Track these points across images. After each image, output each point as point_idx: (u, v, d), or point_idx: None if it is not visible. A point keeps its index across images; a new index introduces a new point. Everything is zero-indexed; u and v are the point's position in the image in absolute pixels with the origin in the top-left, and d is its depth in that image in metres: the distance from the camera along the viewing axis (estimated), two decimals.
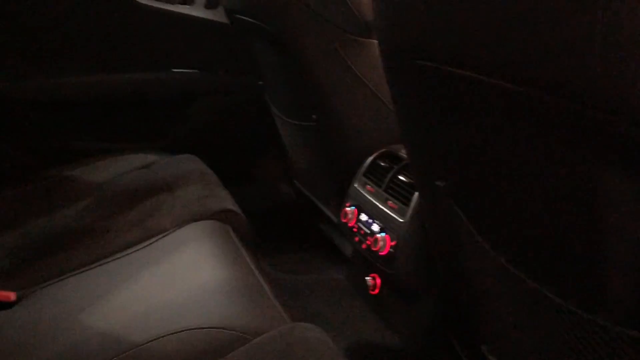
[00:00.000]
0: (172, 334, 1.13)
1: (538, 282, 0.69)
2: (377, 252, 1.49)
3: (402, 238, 1.44)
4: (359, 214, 1.63)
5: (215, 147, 2.42)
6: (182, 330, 1.15)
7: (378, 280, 1.63)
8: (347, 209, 1.65)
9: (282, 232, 2.41)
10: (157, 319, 1.17)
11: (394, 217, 1.48)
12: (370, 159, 1.67)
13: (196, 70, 2.29)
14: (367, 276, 1.65)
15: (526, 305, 0.75)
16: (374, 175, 1.65)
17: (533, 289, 0.71)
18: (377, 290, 1.63)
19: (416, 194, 1.44)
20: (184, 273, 1.27)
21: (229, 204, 1.80)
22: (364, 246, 1.57)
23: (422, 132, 0.83)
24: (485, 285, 0.86)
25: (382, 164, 1.61)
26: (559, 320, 0.66)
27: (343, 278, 1.79)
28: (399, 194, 1.51)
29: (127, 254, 1.56)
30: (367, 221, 1.59)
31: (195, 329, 1.16)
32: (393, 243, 1.46)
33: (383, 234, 1.49)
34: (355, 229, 1.63)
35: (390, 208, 1.51)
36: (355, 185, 1.68)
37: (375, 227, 1.54)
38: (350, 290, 1.69)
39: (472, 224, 0.82)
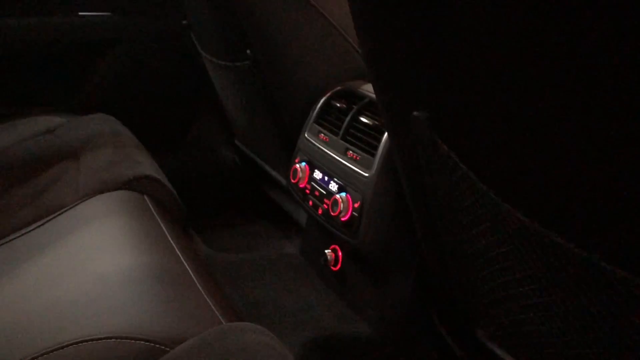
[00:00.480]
0: (53, 350, 0.79)
1: (558, 232, 0.52)
2: (336, 217, 1.15)
3: (367, 198, 1.10)
4: (311, 171, 1.28)
5: (135, 105, 2.03)
6: (69, 344, 0.80)
7: (340, 253, 1.30)
8: (297, 165, 1.30)
9: (221, 202, 2.06)
10: (37, 329, 0.82)
11: (357, 172, 1.14)
12: (322, 100, 1.32)
13: (108, 13, 1.87)
14: (327, 249, 1.32)
15: (541, 270, 0.58)
16: (329, 120, 1.30)
17: (551, 245, 0.54)
18: (339, 266, 1.30)
19: (384, 139, 1.10)
20: (80, 262, 0.97)
21: (147, 169, 1.42)
22: (320, 211, 1.23)
23: (396, 53, 0.68)
24: (485, 249, 0.68)
25: (338, 104, 1.26)
26: (586, 285, 0.51)
27: (297, 253, 1.45)
28: (362, 141, 1.17)
29: (12, 239, 1.20)
30: (322, 179, 1.24)
31: (87, 340, 0.82)
32: (356, 205, 1.12)
33: (343, 194, 1.15)
34: (307, 191, 1.28)
35: (351, 160, 1.17)
36: (306, 135, 1.33)
37: (333, 186, 1.20)
38: (307, 268, 1.36)
39: (462, 161, 0.66)
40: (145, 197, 1.35)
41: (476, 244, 0.72)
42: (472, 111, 0.60)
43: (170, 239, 1.15)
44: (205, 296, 0.97)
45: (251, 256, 1.42)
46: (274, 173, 1.81)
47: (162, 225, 1.20)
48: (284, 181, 1.75)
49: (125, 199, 1.32)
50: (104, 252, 1.06)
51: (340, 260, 1.29)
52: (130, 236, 1.11)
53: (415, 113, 0.72)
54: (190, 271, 1.03)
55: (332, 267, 1.30)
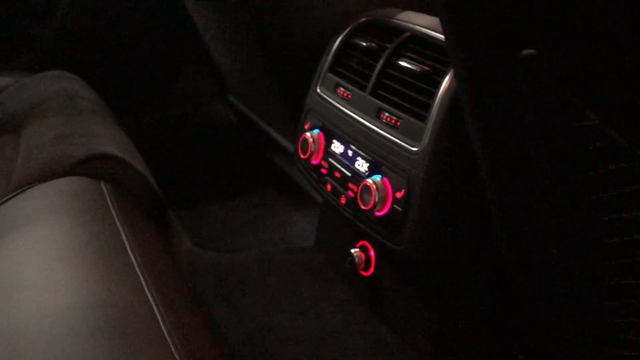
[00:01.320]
0: None
1: None
2: (369, 211, 0.79)
3: (416, 184, 0.73)
4: (328, 142, 0.91)
5: (102, 58, 1.64)
6: None
7: (372, 253, 0.93)
8: (307, 134, 0.92)
9: (215, 170, 1.69)
10: None
11: (398, 144, 0.76)
12: (339, 38, 0.93)
13: None
14: (353, 246, 0.95)
15: None
16: (350, 67, 0.91)
17: None
18: (371, 270, 0.94)
19: (441, 92, 0.72)
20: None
21: (107, 143, 1.06)
22: (343, 200, 0.86)
23: None
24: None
25: (364, 43, 0.87)
26: None
27: (311, 246, 1.09)
28: (404, 98, 0.79)
29: None
30: (344, 154, 0.87)
31: None
32: (399, 194, 0.75)
33: (378, 178, 0.78)
34: (324, 170, 0.91)
35: (388, 126, 0.79)
36: (318, 90, 0.95)
37: (362, 165, 0.83)
38: (326, 270, 1.01)
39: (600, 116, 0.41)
40: (103, 184, 0.99)
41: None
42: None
43: (131, 253, 0.79)
44: (174, 351, 0.62)
45: (250, 255, 1.06)
46: (278, 137, 1.44)
47: (122, 230, 0.85)
48: (291, 148, 1.38)
49: (73, 190, 0.96)
50: (28, 282, 0.71)
51: (373, 262, 0.93)
52: (73, 253, 0.76)
53: (526, 52, 0.45)
54: (156, 310, 0.68)
55: (362, 272, 0.94)
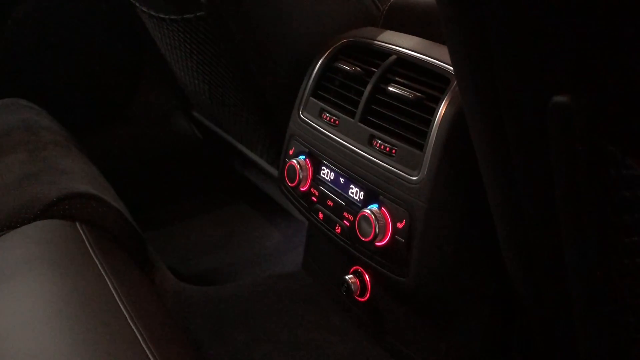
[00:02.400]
0: None
1: None
2: (369, 242, 0.77)
3: (418, 215, 0.71)
4: (316, 168, 0.88)
5: (55, 80, 1.56)
6: None
7: (367, 278, 0.92)
8: (294, 161, 0.89)
9: (184, 192, 1.64)
10: None
11: (395, 173, 0.75)
12: (320, 61, 0.90)
13: None
14: (346, 272, 0.93)
15: None
16: (334, 92, 0.89)
17: None
18: (367, 296, 0.92)
19: (438, 119, 0.70)
20: None
21: (80, 181, 1.00)
22: (337, 229, 0.84)
23: None
24: None
25: (348, 68, 0.85)
26: None
27: (299, 270, 1.07)
28: (396, 124, 0.77)
29: None
30: (336, 181, 0.85)
31: None
32: (400, 224, 0.74)
33: (375, 207, 0.76)
34: (314, 198, 0.88)
35: (382, 154, 0.77)
36: (301, 114, 0.92)
37: (356, 193, 0.81)
38: (318, 296, 0.98)
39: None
40: (78, 225, 0.94)
41: None
42: None
43: (121, 305, 0.75)
44: None
45: (238, 286, 1.03)
46: (249, 153, 1.40)
47: (107, 277, 0.80)
48: (265, 165, 1.35)
49: (48, 235, 0.91)
50: (17, 351, 0.67)
51: (369, 288, 0.91)
52: (61, 313, 0.72)
53: (557, 98, 0.44)
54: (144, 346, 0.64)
55: (358, 298, 0.92)
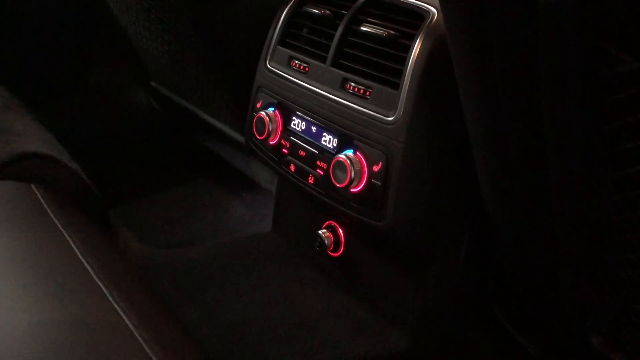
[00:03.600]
0: None
1: None
2: (344, 188, 0.74)
3: (396, 156, 0.69)
4: (286, 120, 0.85)
5: (5, 48, 1.48)
6: None
7: (340, 232, 0.89)
8: (262, 113, 0.86)
9: (145, 167, 1.58)
10: None
11: (371, 115, 0.72)
12: (288, 7, 0.86)
13: None
14: (319, 227, 0.91)
15: None
16: (303, 38, 0.85)
17: None
18: (341, 250, 0.90)
19: (414, 57, 0.68)
20: None
21: (33, 142, 0.95)
22: (310, 179, 0.81)
23: None
24: None
25: (317, 11, 0.82)
26: None
27: (269, 232, 1.04)
28: (370, 65, 0.74)
29: None
30: (307, 131, 0.82)
31: None
32: (376, 168, 0.71)
33: (350, 152, 0.74)
34: (285, 150, 0.85)
35: (356, 97, 0.75)
36: (269, 64, 0.88)
37: (329, 141, 0.78)
38: (291, 254, 0.95)
39: None
40: (34, 187, 0.88)
41: None
42: None
43: (85, 261, 0.70)
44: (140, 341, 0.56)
45: (206, 248, 0.99)
46: (213, 121, 1.36)
47: (67, 236, 0.76)
48: (229, 131, 1.30)
49: (2, 197, 0.85)
50: None
51: (343, 242, 0.89)
52: (24, 269, 0.67)
53: None
54: (128, 322, 0.61)
55: (331, 253, 0.90)
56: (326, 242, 0.89)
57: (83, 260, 0.71)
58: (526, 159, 0.54)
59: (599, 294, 0.58)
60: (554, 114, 0.47)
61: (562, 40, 0.42)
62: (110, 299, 0.64)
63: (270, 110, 0.86)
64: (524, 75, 0.47)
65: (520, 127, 0.52)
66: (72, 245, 0.74)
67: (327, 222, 0.91)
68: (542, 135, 0.49)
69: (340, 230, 0.89)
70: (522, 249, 0.66)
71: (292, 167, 0.84)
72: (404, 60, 0.70)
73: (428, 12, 0.70)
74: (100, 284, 0.67)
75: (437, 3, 0.71)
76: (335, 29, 0.78)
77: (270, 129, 0.85)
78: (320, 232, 0.90)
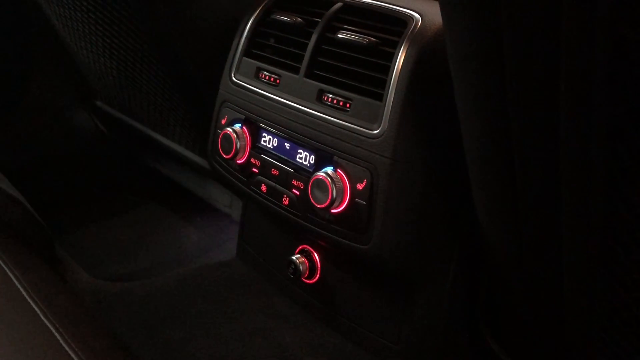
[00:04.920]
0: None
1: None
2: (323, 209, 0.68)
3: (381, 173, 0.64)
4: (255, 136, 0.78)
5: None
6: None
7: (316, 257, 0.83)
8: (229, 129, 0.79)
9: (91, 192, 1.47)
10: None
11: (352, 129, 0.66)
12: (254, 16, 0.80)
13: None
14: (291, 252, 0.84)
15: None
16: (270, 48, 0.79)
17: None
18: (317, 277, 0.83)
19: (398, 65, 0.63)
20: None
21: None
22: (285, 200, 0.74)
23: None
24: None
25: (287, 19, 0.76)
26: None
27: (233, 259, 0.95)
28: (348, 75, 0.69)
29: None
30: (280, 147, 0.75)
31: None
32: (359, 186, 0.65)
33: (330, 170, 0.68)
34: (254, 169, 0.78)
35: (334, 109, 0.69)
36: (234, 77, 0.82)
37: (305, 158, 0.72)
38: (260, 283, 0.87)
39: None
40: None
41: None
42: None
43: (31, 301, 0.61)
44: None
45: (166, 280, 0.90)
46: (167, 142, 1.27)
47: (10, 273, 0.66)
48: (184, 151, 1.22)
49: None
50: None
51: (319, 268, 0.82)
52: None
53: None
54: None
55: (306, 280, 0.83)
56: (300, 268, 0.82)
57: (30, 301, 0.61)
58: (536, 176, 0.49)
59: (609, 331, 0.54)
60: (574, 121, 0.42)
61: (589, 37, 0.37)
62: (63, 343, 0.55)
63: (237, 126, 0.79)
64: (540, 80, 0.43)
65: (531, 138, 0.47)
66: (16, 282, 0.64)
67: (300, 247, 0.84)
68: (557, 149, 0.44)
69: (316, 254, 0.83)
70: (524, 280, 0.61)
71: (264, 188, 0.77)
72: (387, 70, 0.64)
73: (411, 18, 0.65)
74: (49, 325, 0.58)
75: (419, 8, 0.66)
76: (308, 38, 0.73)
77: (238, 146, 0.78)
78: (293, 257, 0.82)
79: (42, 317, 0.59)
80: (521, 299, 0.64)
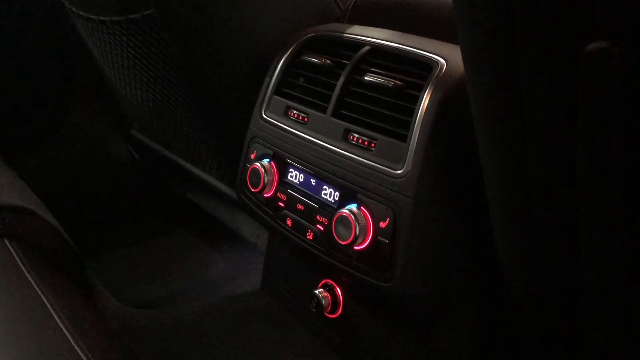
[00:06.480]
0: None
1: None
2: (347, 246, 0.69)
3: (405, 212, 0.65)
4: (282, 172, 0.81)
5: None
6: None
7: (338, 291, 0.84)
8: (257, 164, 0.81)
9: (122, 218, 1.51)
10: None
11: (376, 168, 0.68)
12: (285, 56, 0.83)
13: None
14: (315, 286, 0.85)
15: None
16: (300, 87, 0.82)
17: None
18: (339, 311, 0.84)
19: (423, 107, 0.65)
20: None
21: (6, 195, 0.88)
22: (309, 235, 0.76)
23: None
24: None
25: (316, 60, 0.79)
26: None
27: (258, 290, 0.97)
28: (374, 116, 0.71)
29: None
30: (306, 183, 0.77)
31: None
32: (383, 224, 0.67)
33: (354, 207, 0.69)
34: (281, 204, 0.80)
35: (359, 148, 0.71)
36: (264, 114, 0.85)
37: (330, 194, 0.74)
38: (284, 316, 0.89)
39: None
40: (7, 241, 0.81)
41: None
42: None
43: (61, 323, 0.63)
44: None
45: (192, 308, 0.92)
46: (198, 172, 1.31)
47: (42, 295, 0.69)
48: (215, 182, 1.25)
49: None
50: None
51: (342, 303, 0.83)
52: None
53: (593, 45, 0.39)
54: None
55: (328, 314, 0.84)
56: (323, 302, 0.83)
57: (60, 324, 0.64)
58: (554, 223, 0.50)
59: None
60: (591, 168, 0.43)
61: (605, 92, 0.39)
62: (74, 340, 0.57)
63: (266, 161, 0.82)
64: (558, 124, 0.44)
65: (550, 186, 0.48)
66: (48, 306, 0.67)
67: (323, 281, 0.85)
68: (575, 191, 0.45)
69: (339, 289, 0.84)
70: (544, 322, 0.62)
71: (289, 222, 0.79)
72: (411, 112, 0.66)
73: (437, 62, 0.67)
74: (78, 350, 0.60)
75: (444, 52, 0.69)
76: (336, 79, 0.75)
77: (266, 180, 0.81)
78: (316, 291, 0.84)
79: (72, 343, 0.61)
80: (540, 338, 0.64)
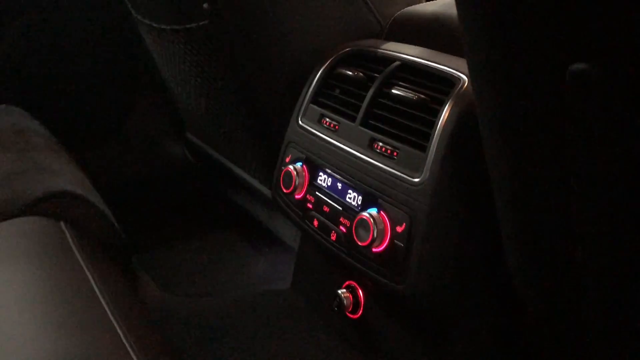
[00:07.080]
0: None
1: None
2: (365, 248, 0.74)
3: (420, 217, 0.69)
4: (313, 175, 0.86)
5: (51, 93, 1.54)
6: None
7: (360, 293, 0.88)
8: (290, 167, 0.87)
9: (170, 211, 1.60)
10: None
11: (396, 175, 0.73)
12: (322, 68, 0.89)
13: None
14: (339, 287, 0.90)
15: None
16: (335, 98, 0.87)
17: None
18: (360, 313, 0.88)
19: (442, 121, 0.69)
20: None
21: (66, 181, 0.97)
22: (333, 236, 0.81)
23: None
24: None
25: (350, 73, 0.84)
26: None
27: (287, 288, 1.03)
28: (399, 127, 0.75)
29: None
30: (333, 187, 0.82)
31: None
32: (399, 228, 0.71)
33: (374, 211, 0.74)
34: (309, 205, 0.86)
35: (383, 157, 0.76)
36: (300, 121, 0.91)
37: (354, 198, 0.78)
38: (308, 315, 0.94)
39: None
40: (63, 224, 0.90)
41: None
42: None
43: (103, 301, 0.70)
44: None
45: (226, 300, 0.99)
46: (245, 175, 1.38)
47: (89, 276, 0.76)
48: (258, 185, 1.32)
49: (31, 232, 0.87)
50: None
51: (362, 304, 0.87)
52: (42, 303, 0.68)
53: (575, 66, 0.42)
54: (132, 353, 0.60)
55: (350, 314, 0.89)
56: (345, 302, 0.88)
57: (102, 301, 0.71)
58: (556, 220, 0.53)
59: None
60: (584, 197, 0.46)
61: (589, 110, 0.42)
62: (123, 339, 0.64)
63: (298, 164, 0.88)
64: (551, 143, 0.48)
65: (549, 200, 0.51)
66: (93, 285, 0.74)
67: (347, 282, 0.90)
68: (570, 215, 0.49)
69: (360, 291, 0.88)
70: (549, 309, 0.64)
71: (316, 223, 0.84)
72: (432, 124, 0.70)
73: (459, 79, 0.71)
74: (115, 324, 0.67)
75: (466, 70, 0.72)
76: (367, 90, 0.80)
77: (297, 183, 0.86)
78: (339, 291, 0.88)
79: (109, 314, 0.68)
80: (550, 343, 0.66)
